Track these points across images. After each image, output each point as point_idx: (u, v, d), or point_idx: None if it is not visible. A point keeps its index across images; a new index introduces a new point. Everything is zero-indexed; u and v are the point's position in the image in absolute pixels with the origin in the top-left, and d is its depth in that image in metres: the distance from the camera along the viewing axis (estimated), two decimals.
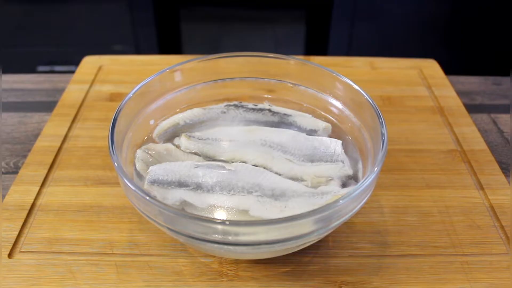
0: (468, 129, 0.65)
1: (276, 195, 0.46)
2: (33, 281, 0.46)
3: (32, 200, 0.54)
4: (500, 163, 0.60)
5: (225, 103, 0.57)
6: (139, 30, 1.39)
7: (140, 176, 0.49)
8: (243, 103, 0.57)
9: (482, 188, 0.56)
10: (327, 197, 0.46)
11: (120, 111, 0.47)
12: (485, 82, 0.79)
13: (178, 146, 0.52)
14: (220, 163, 0.49)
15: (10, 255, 0.48)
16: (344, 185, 0.49)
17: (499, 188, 0.56)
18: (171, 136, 0.54)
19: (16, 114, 0.69)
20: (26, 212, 0.52)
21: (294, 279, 0.46)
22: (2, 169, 0.60)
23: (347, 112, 0.54)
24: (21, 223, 0.51)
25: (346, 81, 0.52)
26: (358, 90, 0.50)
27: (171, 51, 1.44)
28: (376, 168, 0.42)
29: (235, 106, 0.57)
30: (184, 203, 0.46)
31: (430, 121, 0.66)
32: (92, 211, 0.53)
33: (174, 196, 0.46)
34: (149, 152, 0.51)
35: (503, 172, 0.58)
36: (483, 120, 0.70)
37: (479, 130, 0.65)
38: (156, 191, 0.46)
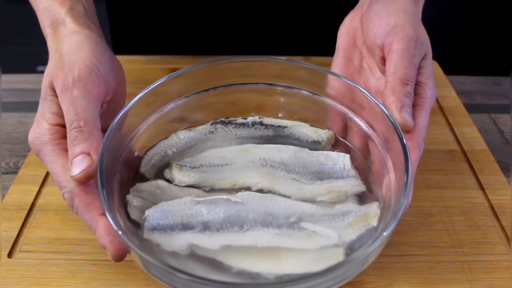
0: (468, 129, 0.65)
1: (293, 223, 0.43)
2: (33, 281, 0.46)
3: (32, 200, 0.53)
4: (500, 163, 0.60)
5: (211, 121, 0.52)
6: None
7: (137, 224, 0.43)
8: (231, 119, 0.53)
9: (482, 188, 0.56)
10: (349, 218, 0.43)
11: (104, 155, 0.41)
12: (485, 82, 0.79)
13: (170, 180, 0.48)
14: (223, 196, 0.44)
15: (9, 255, 0.48)
16: (360, 200, 0.46)
17: (499, 188, 0.56)
18: (160, 168, 0.49)
19: (16, 114, 0.69)
20: (25, 212, 0.52)
21: None
22: (2, 169, 0.60)
23: (351, 116, 0.51)
24: (20, 223, 0.51)
25: (360, 89, 0.48)
26: (374, 102, 0.46)
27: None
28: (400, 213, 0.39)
29: (223, 123, 0.52)
30: (193, 246, 0.41)
31: (430, 121, 0.66)
32: None
33: (180, 241, 0.41)
34: (140, 194, 0.45)
35: (503, 172, 0.58)
36: (483, 120, 0.70)
37: (479, 130, 0.65)
38: (159, 239, 0.41)
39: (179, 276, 0.35)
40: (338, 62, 0.55)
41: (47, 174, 0.57)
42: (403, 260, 0.48)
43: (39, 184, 0.55)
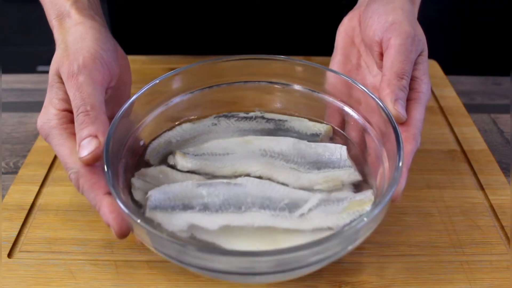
0: (468, 129, 0.65)
1: (290, 207, 0.44)
2: (33, 281, 0.46)
3: (32, 200, 0.54)
4: (500, 163, 0.60)
5: (215, 115, 0.55)
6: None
7: (139, 206, 0.45)
8: (234, 113, 0.55)
9: (482, 188, 0.56)
10: (343, 204, 0.45)
11: (110, 137, 0.42)
12: (485, 82, 0.79)
13: (173, 166, 0.49)
14: (223, 180, 0.46)
15: (9, 255, 0.48)
16: (355, 190, 0.47)
17: (499, 188, 0.56)
18: (163, 156, 0.51)
19: (16, 114, 0.69)
20: (25, 212, 0.52)
21: (294, 279, 0.46)
22: (2, 169, 0.60)
23: (349, 111, 0.52)
24: (20, 223, 0.51)
25: (357, 84, 0.50)
26: (371, 96, 0.48)
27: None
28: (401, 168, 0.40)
29: (226, 116, 0.54)
30: (192, 227, 0.42)
31: (430, 121, 0.66)
32: (92, 211, 0.52)
33: (181, 221, 0.42)
34: (144, 178, 0.47)
35: (503, 172, 0.58)
36: (483, 120, 0.70)
37: (479, 130, 0.65)
38: (160, 218, 0.43)
39: (186, 247, 0.36)
40: (336, 60, 0.57)
41: (47, 174, 0.57)
42: (403, 260, 0.48)
43: (39, 184, 0.55)
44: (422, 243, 0.50)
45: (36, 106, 0.71)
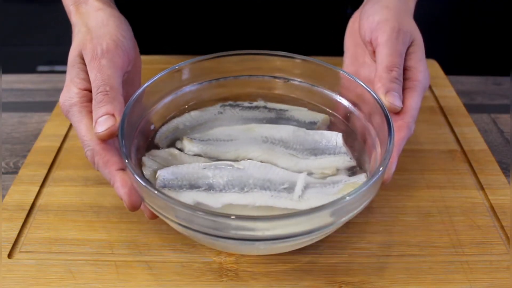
0: (468, 129, 0.65)
1: (289, 189, 0.47)
2: (33, 281, 0.46)
3: (32, 200, 0.54)
4: (500, 163, 0.60)
5: (220, 104, 0.57)
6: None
7: (149, 183, 0.48)
8: (238, 102, 0.58)
9: (482, 188, 0.56)
10: (338, 186, 0.47)
11: (126, 115, 0.45)
12: (485, 82, 0.79)
13: (181, 150, 0.52)
14: (228, 162, 0.49)
15: (10, 255, 0.48)
16: (351, 174, 0.50)
17: (499, 188, 0.56)
18: (172, 140, 0.54)
19: (16, 114, 0.69)
20: (26, 212, 0.52)
21: (294, 279, 0.46)
22: (2, 169, 0.60)
23: (345, 103, 0.55)
24: (20, 223, 0.51)
25: (349, 76, 0.53)
26: (364, 87, 0.50)
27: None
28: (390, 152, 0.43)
29: (231, 105, 0.57)
30: (198, 204, 0.45)
31: (430, 121, 0.66)
32: (92, 211, 0.53)
33: (187, 198, 0.45)
34: (154, 158, 0.50)
35: (503, 172, 0.58)
36: (483, 120, 0.70)
37: (479, 130, 0.65)
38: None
39: (196, 211, 0.39)
40: (346, 62, 0.61)
41: (47, 174, 0.57)
42: (403, 260, 0.48)
43: (39, 184, 0.55)
44: (422, 243, 0.50)
45: (36, 106, 0.71)
